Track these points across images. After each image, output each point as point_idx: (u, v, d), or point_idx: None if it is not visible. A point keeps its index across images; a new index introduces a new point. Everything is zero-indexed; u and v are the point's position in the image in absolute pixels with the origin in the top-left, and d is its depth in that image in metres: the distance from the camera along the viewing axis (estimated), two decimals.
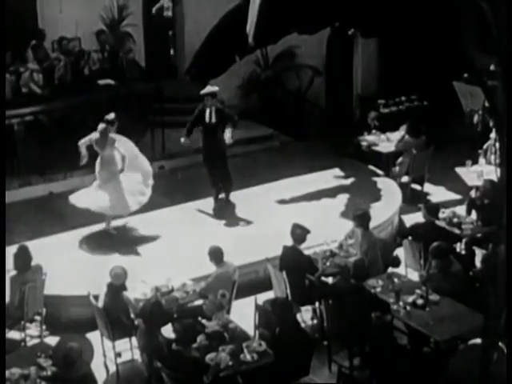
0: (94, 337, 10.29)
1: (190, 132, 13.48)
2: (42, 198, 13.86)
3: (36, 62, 14.89)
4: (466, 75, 16.26)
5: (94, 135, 12.46)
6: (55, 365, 8.73)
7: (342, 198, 13.90)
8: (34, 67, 14.80)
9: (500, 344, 7.75)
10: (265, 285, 11.07)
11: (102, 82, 15.22)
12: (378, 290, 10.18)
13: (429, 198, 14.44)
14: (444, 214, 12.23)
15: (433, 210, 11.78)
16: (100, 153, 12.51)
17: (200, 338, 9.10)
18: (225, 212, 13.40)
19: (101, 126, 12.44)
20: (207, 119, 13.24)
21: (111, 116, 12.58)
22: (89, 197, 12.37)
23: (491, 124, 14.52)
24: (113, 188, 12.39)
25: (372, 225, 11.34)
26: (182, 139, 13.42)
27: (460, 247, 11.86)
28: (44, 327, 10.67)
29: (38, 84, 14.66)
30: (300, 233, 10.67)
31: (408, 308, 9.78)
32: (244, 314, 10.06)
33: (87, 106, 14.60)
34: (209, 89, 13.16)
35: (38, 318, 10.67)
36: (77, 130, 14.30)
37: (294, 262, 10.54)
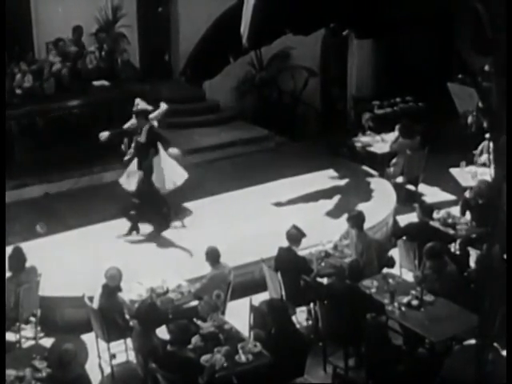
0: (89, 338, 10.28)
1: (113, 136, 13.12)
2: (37, 198, 13.85)
3: (26, 64, 14.89)
4: (460, 76, 16.29)
5: (132, 124, 12.80)
6: (50, 366, 8.72)
7: (337, 199, 13.92)
8: (27, 68, 14.82)
9: (495, 344, 7.78)
10: (260, 286, 11.07)
11: (96, 83, 15.23)
12: (373, 290, 10.19)
13: (423, 198, 14.46)
14: (438, 214, 12.24)
15: (427, 210, 11.79)
16: (138, 139, 12.79)
17: (195, 339, 9.10)
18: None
19: (137, 118, 12.73)
20: (138, 137, 12.90)
21: (140, 102, 12.85)
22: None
23: (485, 125, 14.55)
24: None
25: (367, 225, 11.35)
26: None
27: (454, 248, 11.88)
28: (39, 329, 10.66)
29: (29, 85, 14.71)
30: (296, 234, 10.66)
31: (403, 308, 9.79)
32: (239, 314, 10.06)
33: (82, 107, 14.60)
34: (141, 107, 12.93)
35: (32, 319, 10.66)
36: (72, 131, 14.34)
37: (289, 263, 10.55)
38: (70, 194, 13.87)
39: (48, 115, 14.45)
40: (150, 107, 13.02)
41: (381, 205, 13.68)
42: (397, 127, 15.18)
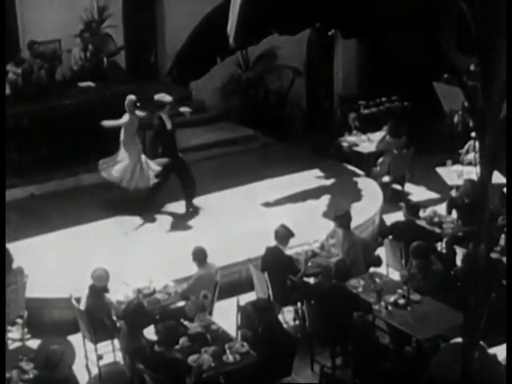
0: (76, 339, 10.26)
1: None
2: (23, 199, 13.80)
3: (14, 65, 14.85)
4: (446, 76, 16.35)
5: (124, 118, 13.19)
6: (37, 368, 8.70)
7: (324, 199, 13.94)
8: (12, 69, 14.76)
9: (481, 342, 7.81)
10: (247, 286, 11.08)
11: (82, 84, 15.20)
12: (360, 289, 10.21)
13: (409, 197, 14.50)
14: (425, 213, 12.28)
15: (413, 209, 11.82)
16: (126, 131, 13.22)
17: (182, 340, 9.10)
18: None
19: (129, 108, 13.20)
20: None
21: (132, 97, 13.23)
22: (114, 169, 13.28)
23: (471, 124, 14.62)
24: (135, 163, 13.19)
25: (353, 225, 11.36)
26: None
27: (441, 246, 11.92)
28: (26, 330, 10.64)
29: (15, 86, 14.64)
30: (285, 233, 10.67)
31: (389, 307, 9.81)
32: (226, 315, 10.07)
33: (68, 108, 14.56)
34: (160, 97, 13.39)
35: (19, 320, 10.64)
36: (58, 132, 14.30)
37: (276, 263, 10.55)
38: (56, 195, 13.84)
39: (33, 116, 14.40)
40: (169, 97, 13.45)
41: (367, 204, 13.71)
42: (385, 127, 15.22)
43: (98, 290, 9.89)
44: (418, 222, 11.78)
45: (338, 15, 6.79)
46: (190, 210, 13.51)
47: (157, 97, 13.34)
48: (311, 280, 10.92)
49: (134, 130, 13.39)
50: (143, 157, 13.44)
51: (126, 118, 13.25)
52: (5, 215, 10.73)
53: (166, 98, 13.32)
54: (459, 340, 7.95)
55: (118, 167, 13.27)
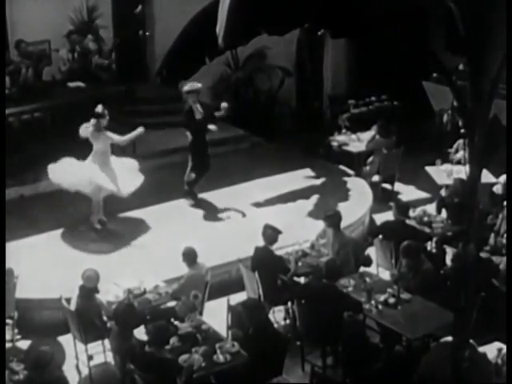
0: (66, 340, 10.24)
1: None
2: (12, 201, 13.75)
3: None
4: (435, 75, 16.38)
5: (87, 129, 12.50)
6: (27, 368, 8.68)
7: (314, 199, 13.95)
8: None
9: (471, 341, 7.83)
10: (237, 285, 11.08)
11: (72, 84, 15.17)
12: (350, 289, 10.23)
13: (399, 197, 14.52)
14: (414, 212, 12.31)
15: (403, 208, 11.84)
16: (94, 145, 12.53)
17: (173, 340, 9.10)
18: None
19: (92, 120, 12.47)
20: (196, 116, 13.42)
21: (99, 108, 12.57)
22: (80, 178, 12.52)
23: (460, 123, 14.64)
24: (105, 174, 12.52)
25: (343, 224, 11.38)
26: None
27: (431, 246, 11.94)
28: (16, 331, 10.60)
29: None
30: (271, 233, 10.69)
31: (380, 307, 9.83)
32: (217, 315, 10.07)
33: (58, 108, 14.53)
34: (192, 86, 13.28)
35: (9, 321, 10.59)
36: (47, 133, 14.28)
37: (266, 263, 10.56)
38: (46, 196, 13.79)
39: (22, 116, 14.36)
40: (199, 85, 13.33)
41: (357, 204, 13.73)
42: (375, 126, 15.24)
43: (88, 291, 9.87)
44: (408, 221, 11.80)
45: (326, 15, 6.80)
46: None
47: (187, 86, 13.19)
48: (302, 280, 10.94)
49: (107, 149, 12.60)
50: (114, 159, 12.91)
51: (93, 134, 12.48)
52: (5, 215, 10.69)
53: (196, 85, 13.22)
54: (449, 339, 7.98)
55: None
